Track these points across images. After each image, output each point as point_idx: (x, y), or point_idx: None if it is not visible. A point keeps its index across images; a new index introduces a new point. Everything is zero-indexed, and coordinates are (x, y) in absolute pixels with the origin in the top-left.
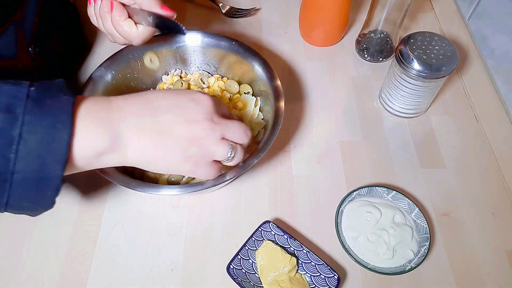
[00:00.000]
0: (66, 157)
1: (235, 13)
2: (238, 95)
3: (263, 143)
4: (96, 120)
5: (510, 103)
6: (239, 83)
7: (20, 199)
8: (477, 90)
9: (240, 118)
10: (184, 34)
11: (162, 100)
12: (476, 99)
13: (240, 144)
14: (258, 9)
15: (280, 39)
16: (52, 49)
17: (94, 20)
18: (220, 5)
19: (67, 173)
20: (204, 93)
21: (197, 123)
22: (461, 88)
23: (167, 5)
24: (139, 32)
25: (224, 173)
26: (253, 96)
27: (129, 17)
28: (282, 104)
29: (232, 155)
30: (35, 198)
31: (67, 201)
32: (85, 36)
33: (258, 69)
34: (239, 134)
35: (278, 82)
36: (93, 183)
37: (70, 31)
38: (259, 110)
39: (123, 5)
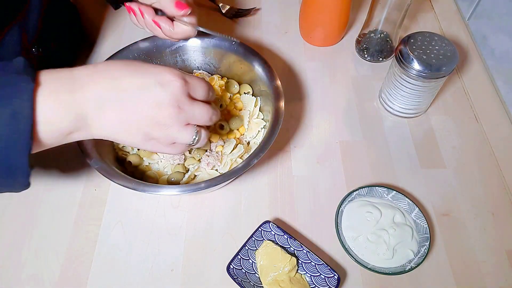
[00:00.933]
0: (30, 146)
1: (235, 13)
2: (238, 95)
3: (263, 143)
4: (58, 101)
5: (510, 103)
6: (239, 83)
7: None
8: (477, 90)
9: (217, 98)
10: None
11: (129, 80)
12: (476, 99)
13: (206, 127)
14: (258, 9)
15: (280, 39)
16: (55, 49)
17: (139, 27)
18: (220, 5)
19: (36, 150)
20: (175, 73)
21: (161, 109)
22: (461, 88)
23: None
24: (190, 28)
25: (225, 173)
26: (253, 96)
27: (172, 20)
28: (282, 104)
29: (197, 139)
30: (9, 184)
31: (67, 201)
32: (86, 35)
33: (258, 69)
34: (205, 118)
35: (278, 82)
36: (93, 183)
37: (72, 30)
38: (259, 110)
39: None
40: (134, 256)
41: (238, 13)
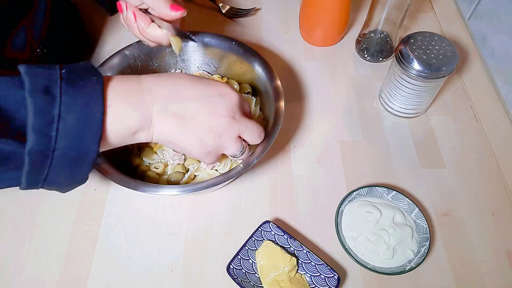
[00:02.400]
0: (100, 134)
1: (235, 13)
2: None
3: (263, 143)
4: (129, 101)
5: (510, 103)
6: (239, 83)
7: (58, 174)
8: (477, 90)
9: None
10: (194, 42)
11: (191, 89)
12: (476, 99)
13: (249, 145)
14: (258, 9)
15: (280, 39)
16: (59, 49)
17: (125, 27)
18: (220, 5)
19: (103, 149)
20: (232, 88)
21: (219, 118)
22: (461, 88)
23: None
24: (164, 34)
25: (225, 173)
26: (253, 96)
27: (153, 21)
28: (282, 104)
29: (241, 152)
30: (71, 173)
31: (67, 201)
32: (88, 35)
33: (258, 69)
34: (255, 135)
35: (278, 82)
36: (93, 183)
37: (74, 31)
38: (259, 110)
39: (146, 10)
40: (134, 256)
41: (238, 13)
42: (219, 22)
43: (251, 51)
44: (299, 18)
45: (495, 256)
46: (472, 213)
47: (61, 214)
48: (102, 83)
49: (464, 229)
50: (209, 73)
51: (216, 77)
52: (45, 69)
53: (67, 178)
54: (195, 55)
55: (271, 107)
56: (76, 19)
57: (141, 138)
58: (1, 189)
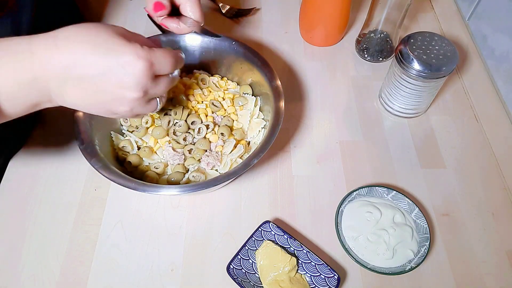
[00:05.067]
0: None
1: (235, 13)
2: (238, 95)
3: (263, 143)
4: (19, 81)
5: (510, 103)
6: (239, 83)
7: None
8: (477, 90)
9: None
10: (218, 37)
11: (90, 59)
12: (476, 99)
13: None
14: (258, 9)
15: (280, 39)
16: None
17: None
18: (220, 5)
19: (3, 121)
20: (140, 53)
21: (125, 92)
22: (461, 88)
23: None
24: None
25: (225, 173)
26: (253, 96)
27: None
28: (282, 104)
29: (159, 105)
30: None
31: (67, 201)
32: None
33: (258, 69)
34: (168, 86)
35: (278, 82)
36: (93, 183)
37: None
38: (259, 110)
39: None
40: (134, 256)
41: (238, 13)
42: (219, 22)
43: (251, 51)
44: (299, 18)
45: (495, 256)
46: (472, 213)
47: (61, 214)
48: None
49: (464, 229)
50: (209, 73)
51: (216, 77)
52: None
53: None
54: (195, 55)
55: (271, 107)
56: (74, 14)
57: (45, 106)
58: (0, 189)
